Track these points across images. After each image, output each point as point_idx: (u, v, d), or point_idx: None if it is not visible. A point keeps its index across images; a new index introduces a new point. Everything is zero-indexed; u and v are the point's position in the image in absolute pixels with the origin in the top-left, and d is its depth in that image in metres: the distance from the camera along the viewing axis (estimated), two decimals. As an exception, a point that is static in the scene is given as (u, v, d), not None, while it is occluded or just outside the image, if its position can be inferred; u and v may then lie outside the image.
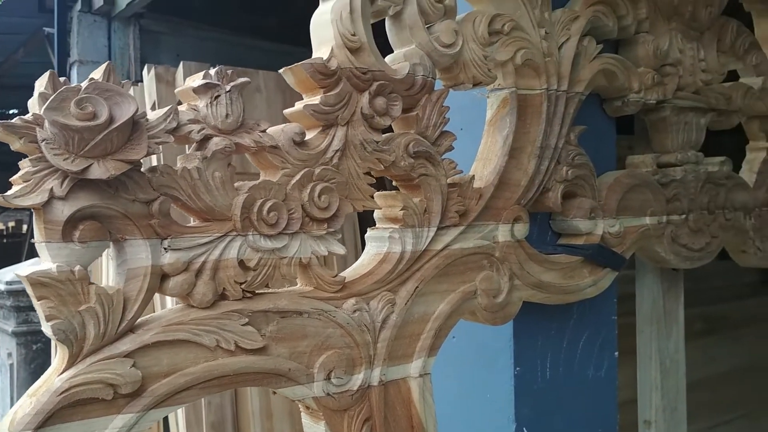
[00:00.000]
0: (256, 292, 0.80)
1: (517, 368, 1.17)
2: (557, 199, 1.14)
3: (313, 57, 0.88)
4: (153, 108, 3.72)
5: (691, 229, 1.37)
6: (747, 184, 1.54)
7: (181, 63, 3.42)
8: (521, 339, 1.18)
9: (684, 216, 1.35)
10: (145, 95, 3.78)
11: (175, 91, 0.80)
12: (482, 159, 1.09)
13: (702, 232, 1.40)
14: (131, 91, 3.97)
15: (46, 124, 0.63)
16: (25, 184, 0.65)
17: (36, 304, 0.67)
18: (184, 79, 3.51)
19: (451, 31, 0.98)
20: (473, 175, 1.03)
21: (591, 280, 1.18)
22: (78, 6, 4.47)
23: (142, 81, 3.90)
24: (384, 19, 0.97)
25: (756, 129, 1.63)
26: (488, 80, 1.04)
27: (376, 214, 0.97)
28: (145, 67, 3.81)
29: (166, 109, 0.72)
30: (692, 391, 3.57)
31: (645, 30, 1.30)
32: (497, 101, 1.10)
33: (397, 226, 0.93)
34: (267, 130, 0.81)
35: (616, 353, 1.33)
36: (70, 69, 4.77)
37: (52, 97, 0.63)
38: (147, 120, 0.70)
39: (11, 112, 8.09)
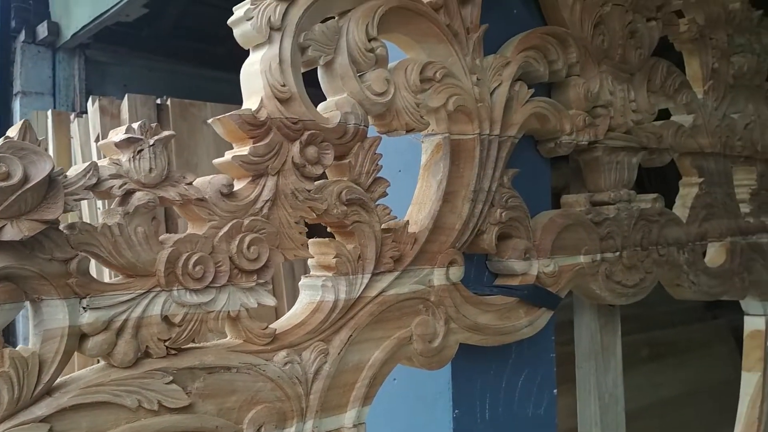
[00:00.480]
0: (182, 348, 0.79)
1: (456, 411, 1.17)
2: (492, 241, 1.15)
3: (243, 107, 0.87)
4: (97, 140, 3.65)
5: (625, 266, 1.41)
6: (680, 219, 1.59)
7: (126, 95, 3.37)
8: (459, 381, 1.18)
9: (618, 253, 1.39)
10: (90, 127, 3.71)
11: (98, 144, 0.78)
12: (417, 203, 1.10)
13: (636, 268, 1.43)
14: (75, 123, 3.89)
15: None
16: (-69, 246, 0.62)
17: (-56, 370, 0.64)
18: (129, 112, 3.47)
19: (382, 79, 0.99)
20: (407, 221, 1.04)
21: (527, 320, 1.19)
22: (22, 36, 4.37)
23: (87, 112, 3.83)
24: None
25: (688, 165, 1.68)
26: (421, 127, 1.06)
27: (310, 262, 0.96)
28: (90, 98, 3.74)
29: (86, 164, 0.70)
30: (640, 418, 3.63)
31: (576, 73, 1.34)
32: (431, 146, 1.11)
33: (330, 274, 0.93)
34: (194, 182, 0.80)
35: (555, 390, 1.34)
36: (13, 100, 4.65)
37: (-39, 157, 0.62)
38: (65, 177, 0.69)
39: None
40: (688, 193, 1.68)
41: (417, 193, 1.11)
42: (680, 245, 1.58)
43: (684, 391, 3.87)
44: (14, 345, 0.76)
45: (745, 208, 1.88)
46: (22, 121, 0.67)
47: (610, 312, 1.52)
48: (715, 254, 1.76)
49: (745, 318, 1.97)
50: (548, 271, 1.23)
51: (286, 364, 0.86)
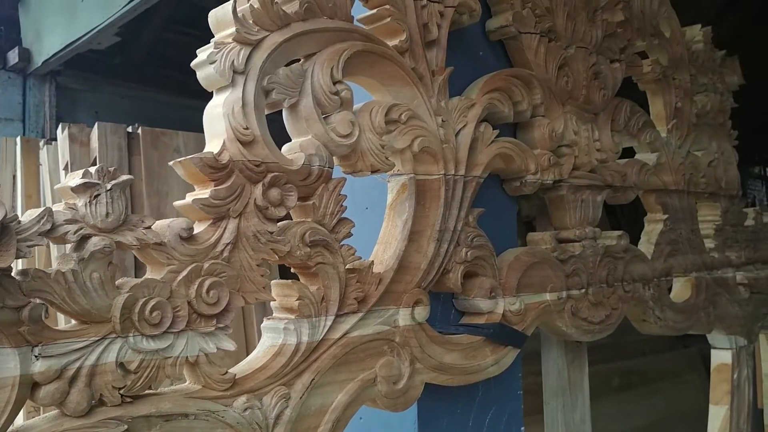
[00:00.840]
0: (138, 395, 0.77)
1: (422, 451, 1.16)
2: (458, 280, 1.15)
3: (205, 149, 0.87)
4: (66, 168, 3.61)
5: (591, 303, 1.42)
6: (645, 255, 1.61)
7: (96, 124, 3.35)
8: (426, 421, 1.18)
9: (583, 290, 1.40)
10: (59, 155, 3.67)
11: (55, 187, 0.77)
12: (383, 243, 1.10)
13: (602, 304, 1.44)
14: (45, 150, 3.83)
15: None
16: None
17: None
18: (99, 141, 3.43)
19: (347, 122, 1.00)
20: (372, 261, 1.04)
21: (493, 359, 1.19)
22: (-8, 62, 4.34)
23: (56, 139, 3.79)
24: (281, 109, 0.98)
25: (652, 202, 1.71)
26: (386, 168, 1.06)
27: (272, 305, 0.95)
28: (60, 126, 3.71)
29: (39, 210, 0.69)
30: (611, 448, 3.62)
31: (541, 113, 1.36)
32: (397, 186, 1.12)
33: (293, 317, 0.92)
34: (153, 226, 0.79)
35: (523, 428, 1.34)
36: (-19, 125, 4.59)
37: None
38: (18, 223, 0.68)
39: None
40: (653, 229, 1.70)
41: (382, 232, 1.11)
42: (646, 281, 1.60)
43: (655, 420, 3.89)
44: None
45: (709, 244, 1.91)
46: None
47: (578, 348, 1.53)
48: (680, 289, 1.79)
49: (712, 351, 2.00)
50: (514, 309, 1.24)
51: (246, 410, 0.85)
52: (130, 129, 3.47)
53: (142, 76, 4.67)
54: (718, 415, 1.94)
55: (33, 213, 0.70)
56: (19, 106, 4.45)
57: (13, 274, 0.69)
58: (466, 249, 1.17)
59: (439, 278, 1.14)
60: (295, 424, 0.90)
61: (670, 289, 1.75)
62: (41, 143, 4.07)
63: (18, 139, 4.15)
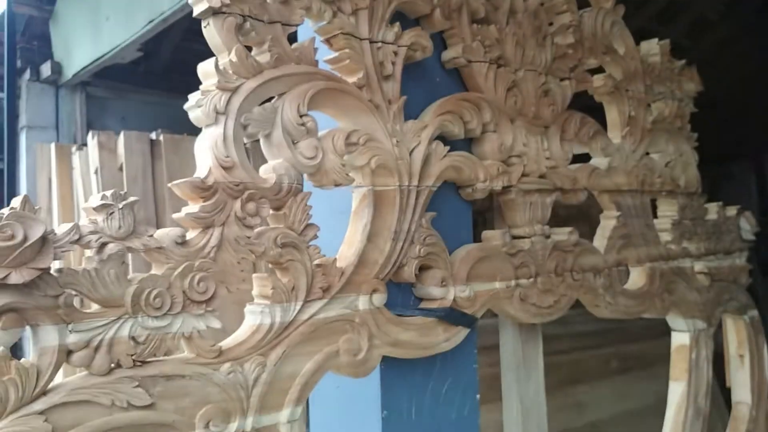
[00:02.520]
0: (146, 360, 1.03)
1: (385, 412, 1.41)
2: (412, 272, 1.39)
3: (195, 174, 1.13)
4: (96, 173, 3.93)
5: (540, 290, 1.65)
6: (595, 249, 1.83)
7: (122, 133, 3.65)
8: (388, 386, 1.42)
9: (532, 279, 1.63)
10: (89, 161, 3.99)
11: (82, 207, 1.03)
12: (347, 243, 1.34)
13: (551, 291, 1.67)
14: (77, 156, 4.15)
15: (-25, 246, 0.87)
16: (-41, 288, 0.87)
17: (-33, 377, 0.89)
18: (125, 147, 3.72)
19: (312, 147, 1.25)
20: (335, 258, 1.29)
21: (444, 337, 1.43)
22: (27, 75, 4.67)
23: (87, 145, 4.11)
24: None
25: (606, 201, 1.93)
26: (347, 182, 1.31)
27: (253, 293, 1.21)
28: (89, 133, 4.01)
29: (70, 225, 0.95)
30: (609, 427, 3.82)
31: (491, 129, 1.59)
32: (359, 196, 1.36)
33: (268, 302, 1.18)
34: (155, 234, 1.05)
35: (478, 396, 1.58)
36: (19, 133, 4.94)
37: (-19, 225, 0.87)
38: (54, 234, 0.94)
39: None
40: (606, 225, 1.92)
41: (347, 234, 1.36)
42: (597, 271, 1.82)
43: (653, 402, 4.08)
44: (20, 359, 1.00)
45: (667, 237, 2.12)
46: (23, 195, 0.92)
47: (532, 328, 1.76)
48: (636, 278, 2.00)
49: (672, 333, 2.20)
50: (464, 295, 1.47)
51: (230, 373, 1.10)
52: (153, 136, 3.77)
53: (165, 84, 4.98)
54: (676, 391, 2.15)
55: (65, 227, 0.96)
56: (52, 114, 4.80)
57: (52, 271, 0.95)
58: (420, 246, 1.41)
59: (396, 271, 1.38)
60: (271, 386, 1.15)
61: (628, 277, 1.97)
62: (73, 149, 4.41)
63: (52, 146, 4.49)
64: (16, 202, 0.93)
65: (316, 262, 1.24)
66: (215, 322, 1.10)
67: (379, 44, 1.38)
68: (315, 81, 1.27)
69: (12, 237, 0.88)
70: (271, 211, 1.19)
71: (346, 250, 1.33)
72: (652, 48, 2.14)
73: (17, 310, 0.92)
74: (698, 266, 2.21)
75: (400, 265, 1.38)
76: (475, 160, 1.54)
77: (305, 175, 1.26)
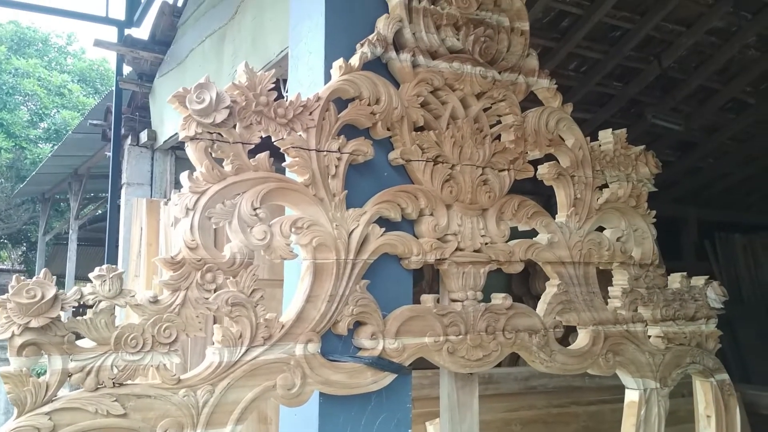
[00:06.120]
0: (123, 383, 1.50)
1: (321, 437, 1.81)
2: (345, 327, 1.80)
3: (171, 253, 1.60)
4: (173, 225, 4.58)
5: (470, 345, 1.99)
6: (531, 311, 2.15)
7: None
8: (325, 416, 1.82)
9: (461, 336, 1.98)
10: (171, 214, 4.66)
11: (89, 275, 1.53)
12: (292, 302, 1.77)
13: (481, 346, 2.01)
14: (163, 210, 4.82)
15: (10, 303, 1.37)
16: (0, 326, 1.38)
17: (4, 385, 1.39)
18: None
19: (262, 231, 1.70)
20: (277, 315, 1.72)
21: (372, 379, 1.82)
22: (129, 140, 5.49)
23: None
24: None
25: (550, 270, 2.25)
26: (291, 257, 1.74)
27: (213, 338, 1.66)
28: (173, 191, 4.68)
29: (74, 288, 1.45)
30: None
31: (428, 213, 1.98)
32: (304, 266, 1.79)
33: (220, 346, 1.62)
34: (136, 295, 1.53)
35: (410, 430, 1.94)
36: (120, 189, 5.74)
37: (15, 288, 1.38)
38: (64, 294, 1.44)
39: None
40: (548, 292, 2.24)
41: (294, 295, 1.79)
42: (533, 331, 2.14)
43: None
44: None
45: (617, 303, 2.39)
46: (44, 270, 1.42)
47: (468, 376, 2.10)
48: (582, 338, 2.29)
49: (626, 389, 2.45)
50: (392, 347, 1.86)
51: (185, 396, 1.55)
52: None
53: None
54: (627, 444, 2.39)
55: (73, 289, 1.45)
56: (148, 173, 5.58)
57: (61, 319, 1.44)
58: (353, 306, 1.81)
59: (332, 325, 1.79)
60: (217, 407, 1.59)
61: (569, 338, 2.27)
62: (162, 203, 5.11)
63: (144, 201, 5.22)
64: (41, 273, 1.43)
65: (266, 317, 1.68)
66: (176, 359, 1.56)
67: (325, 153, 1.83)
68: (268, 183, 1.73)
69: (34, 296, 1.39)
70: (228, 279, 1.65)
71: (289, 308, 1.76)
72: (607, 137, 2.46)
73: (36, 344, 1.41)
74: (654, 331, 2.46)
75: (336, 321, 1.79)
76: (409, 238, 1.94)
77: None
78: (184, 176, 1.66)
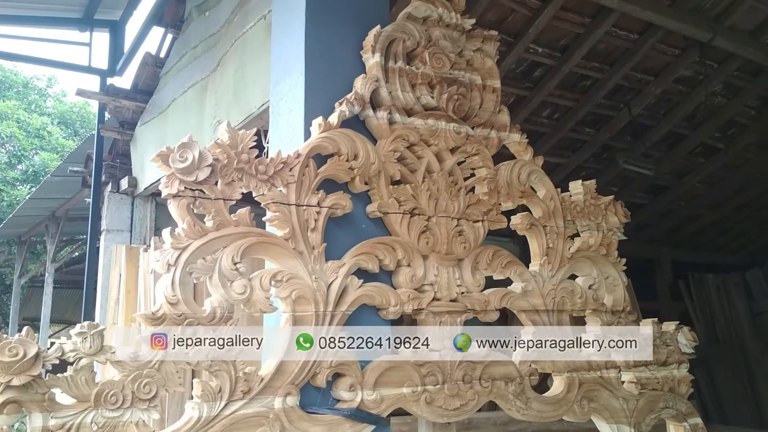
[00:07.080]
0: (103, 439, 1.51)
1: (300, 490, 1.81)
2: (323, 379, 1.83)
3: (152, 308, 1.63)
4: (151, 273, 4.58)
5: (447, 395, 2.03)
6: (506, 361, 2.20)
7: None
8: (305, 470, 1.83)
9: (439, 386, 2.01)
10: (150, 261, 4.66)
11: (70, 332, 1.55)
12: (272, 354, 1.80)
13: (458, 396, 2.05)
14: (143, 256, 4.84)
15: (-7, 360, 1.39)
16: (-18, 387, 1.39)
17: (-17, 445, 1.39)
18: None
19: (242, 285, 1.74)
20: (256, 368, 1.74)
21: (352, 431, 1.84)
22: (109, 187, 5.51)
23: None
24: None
25: (524, 318, 2.30)
26: (270, 310, 1.78)
27: (193, 392, 1.67)
28: (153, 237, 4.69)
29: (56, 344, 1.47)
30: None
31: (405, 264, 2.04)
32: (283, 318, 1.83)
33: (199, 400, 1.64)
34: (116, 351, 1.55)
35: (389, 482, 1.95)
36: (99, 235, 5.72)
37: (-2, 347, 1.40)
38: (46, 352, 1.46)
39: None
40: (525, 339, 2.29)
41: (275, 347, 1.82)
42: (509, 379, 2.18)
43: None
44: (22, 435, 1.50)
45: (591, 349, 2.44)
46: (26, 328, 1.44)
47: (445, 425, 2.12)
48: (557, 385, 2.33)
49: (601, 435, 2.49)
50: (371, 398, 1.88)
51: (164, 451, 1.57)
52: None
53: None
54: (604, 490, 2.41)
55: (55, 346, 1.47)
56: (127, 220, 5.58)
57: (42, 377, 1.46)
58: (331, 359, 1.85)
59: (311, 378, 1.82)
60: (196, 462, 1.60)
61: (543, 386, 2.31)
62: (141, 250, 5.11)
63: (123, 247, 5.22)
64: (23, 331, 1.46)
65: (245, 370, 1.70)
66: (156, 415, 1.57)
67: (305, 207, 1.88)
68: (249, 237, 1.78)
69: (16, 354, 1.41)
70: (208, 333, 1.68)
71: (269, 361, 1.79)
72: (577, 188, 2.55)
73: (17, 402, 1.43)
74: (627, 376, 2.51)
75: (315, 374, 1.82)
76: (387, 289, 1.98)
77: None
78: (166, 232, 1.70)
